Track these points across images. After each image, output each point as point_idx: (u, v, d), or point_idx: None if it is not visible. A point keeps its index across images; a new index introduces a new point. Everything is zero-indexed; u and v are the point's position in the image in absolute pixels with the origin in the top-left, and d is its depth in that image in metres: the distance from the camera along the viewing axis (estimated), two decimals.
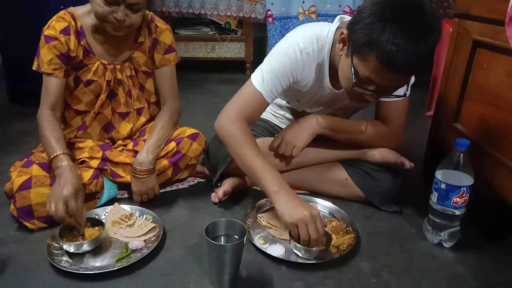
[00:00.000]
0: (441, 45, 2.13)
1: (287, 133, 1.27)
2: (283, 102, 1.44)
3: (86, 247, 1.04)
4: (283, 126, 1.45)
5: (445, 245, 1.12)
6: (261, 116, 1.44)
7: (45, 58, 1.18)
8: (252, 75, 1.22)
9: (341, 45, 1.08)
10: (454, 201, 1.05)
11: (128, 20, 1.15)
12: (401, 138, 1.32)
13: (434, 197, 1.09)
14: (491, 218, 1.28)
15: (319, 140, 1.30)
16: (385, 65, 0.95)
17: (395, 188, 1.28)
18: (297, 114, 1.41)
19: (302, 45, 1.17)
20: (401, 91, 1.10)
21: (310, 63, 1.19)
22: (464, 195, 1.05)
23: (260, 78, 1.20)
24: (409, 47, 0.91)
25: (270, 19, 2.94)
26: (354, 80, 1.03)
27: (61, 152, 1.13)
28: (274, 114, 1.52)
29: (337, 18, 1.20)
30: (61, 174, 1.10)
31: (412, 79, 1.25)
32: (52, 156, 1.13)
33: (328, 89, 1.23)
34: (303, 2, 2.93)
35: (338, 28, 1.17)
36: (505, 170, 1.10)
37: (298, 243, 1.04)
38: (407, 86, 1.12)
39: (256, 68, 1.23)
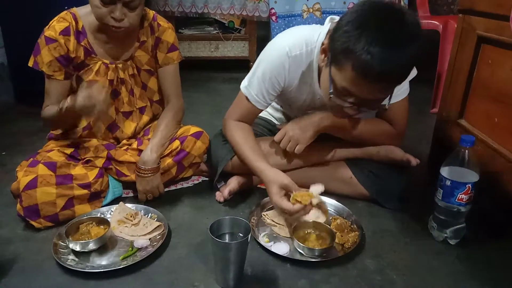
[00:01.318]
0: (446, 41, 2.14)
1: (291, 129, 1.25)
2: (279, 106, 1.45)
3: (91, 245, 1.05)
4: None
5: (450, 242, 1.12)
6: (262, 115, 1.46)
7: (45, 59, 1.19)
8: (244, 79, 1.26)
9: (322, 56, 1.06)
10: (459, 198, 1.05)
11: (127, 19, 1.15)
12: (404, 136, 1.32)
13: (439, 194, 1.09)
14: (496, 215, 1.27)
15: (322, 139, 1.30)
16: (360, 74, 0.92)
17: (400, 186, 1.28)
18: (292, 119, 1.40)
19: (288, 48, 1.15)
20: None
21: (296, 66, 1.18)
22: (469, 192, 1.04)
23: (247, 82, 1.25)
24: (384, 56, 0.88)
25: (274, 17, 2.93)
26: (331, 91, 1.01)
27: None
28: (272, 115, 1.52)
29: (328, 19, 1.18)
30: (73, 99, 1.08)
31: (414, 73, 1.25)
32: (60, 106, 1.12)
33: (318, 94, 1.22)
34: None
35: (328, 31, 1.14)
36: (511, 166, 1.10)
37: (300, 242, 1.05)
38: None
39: None
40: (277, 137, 1.27)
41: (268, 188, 1.13)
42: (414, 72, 1.26)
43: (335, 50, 0.97)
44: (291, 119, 1.40)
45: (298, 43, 1.15)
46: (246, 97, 1.24)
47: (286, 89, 1.24)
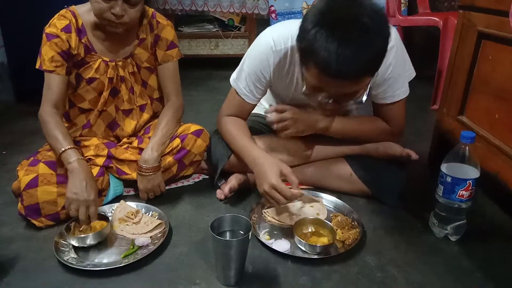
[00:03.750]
0: (446, 38, 2.13)
1: (295, 112, 1.22)
2: (274, 103, 1.45)
3: (90, 240, 1.05)
4: None
5: (451, 238, 1.12)
6: (261, 113, 1.46)
7: (47, 55, 1.19)
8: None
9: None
10: (460, 194, 1.05)
11: (127, 15, 1.15)
12: (403, 133, 1.32)
13: (439, 190, 1.09)
14: (497, 211, 1.27)
15: (323, 136, 1.30)
16: (322, 72, 0.93)
17: (400, 182, 1.28)
18: None
19: (273, 43, 1.15)
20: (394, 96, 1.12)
21: (281, 61, 1.17)
22: (470, 188, 1.04)
23: (235, 75, 1.26)
24: (343, 52, 0.88)
25: (273, 15, 2.93)
26: (304, 89, 1.04)
27: (70, 146, 1.15)
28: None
29: None
30: (76, 172, 1.11)
31: (412, 74, 1.25)
32: (61, 151, 1.14)
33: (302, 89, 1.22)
34: None
35: None
36: (511, 162, 1.10)
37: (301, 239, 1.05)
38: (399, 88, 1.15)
39: None
40: (279, 107, 1.24)
41: (265, 172, 1.10)
42: (412, 73, 1.26)
43: (300, 50, 0.98)
44: None
45: (284, 37, 1.15)
46: (235, 89, 1.26)
47: (273, 83, 1.24)
